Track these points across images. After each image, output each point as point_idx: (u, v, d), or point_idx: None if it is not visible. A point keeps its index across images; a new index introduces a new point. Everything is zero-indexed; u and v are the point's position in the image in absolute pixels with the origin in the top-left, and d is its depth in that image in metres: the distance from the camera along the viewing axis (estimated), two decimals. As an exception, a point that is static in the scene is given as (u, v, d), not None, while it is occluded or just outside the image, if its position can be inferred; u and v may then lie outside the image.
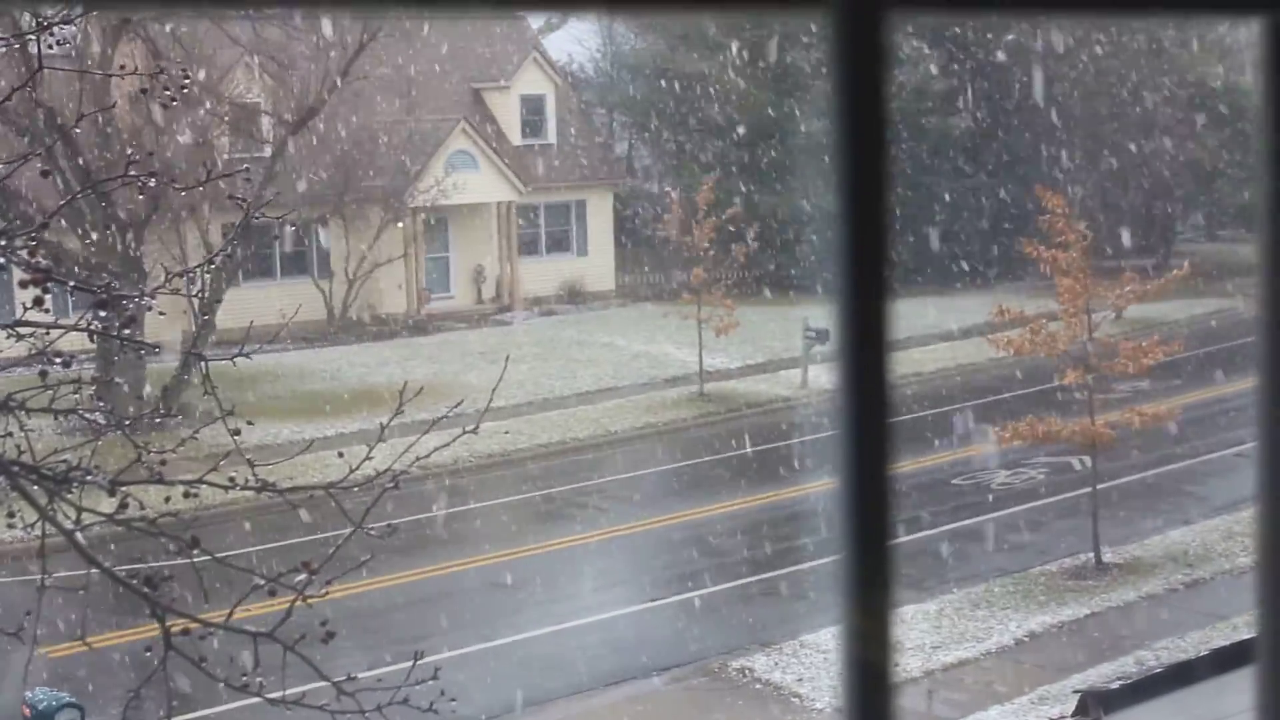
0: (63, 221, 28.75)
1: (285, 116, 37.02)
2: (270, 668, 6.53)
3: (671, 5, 1.34)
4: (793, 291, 47.06)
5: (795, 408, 34.50)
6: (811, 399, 34.75)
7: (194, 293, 23.96)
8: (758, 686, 19.01)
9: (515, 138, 50.47)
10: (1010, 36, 53.02)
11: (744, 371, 38.41)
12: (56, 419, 7.14)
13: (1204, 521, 25.00)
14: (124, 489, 6.55)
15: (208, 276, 27.60)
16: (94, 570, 6.60)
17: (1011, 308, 23.85)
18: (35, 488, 6.78)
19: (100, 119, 29.92)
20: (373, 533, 6.77)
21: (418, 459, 6.93)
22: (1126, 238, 51.17)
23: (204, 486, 6.71)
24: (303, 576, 6.38)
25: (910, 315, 42.22)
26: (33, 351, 6.86)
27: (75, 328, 6.98)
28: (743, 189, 49.13)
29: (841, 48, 1.31)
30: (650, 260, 52.44)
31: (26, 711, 15.33)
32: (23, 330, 6.87)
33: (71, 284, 7.24)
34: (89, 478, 6.57)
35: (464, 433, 7.98)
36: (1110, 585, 22.12)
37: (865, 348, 1.36)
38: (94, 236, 30.28)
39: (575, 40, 67.58)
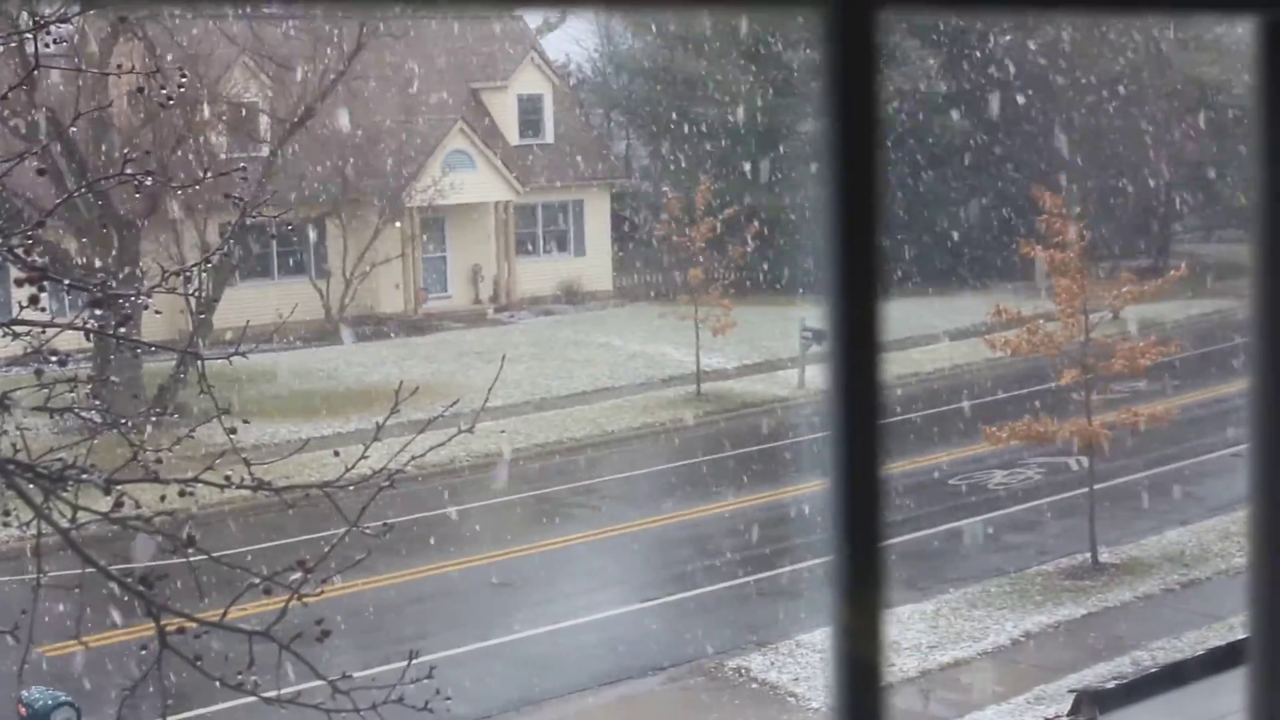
0: (60, 220, 28.75)
1: (283, 116, 37.03)
2: (266, 667, 6.52)
3: (667, 2, 1.34)
4: (790, 292, 47.04)
5: (792, 408, 34.51)
6: (808, 399, 34.75)
7: (191, 292, 23.91)
8: (754, 686, 19.01)
9: (513, 137, 50.46)
10: (1008, 38, 53.05)
11: (741, 371, 38.42)
12: (53, 417, 7.13)
13: (1201, 522, 25.01)
14: (120, 487, 6.55)
15: (205, 276, 27.55)
16: (89, 569, 6.61)
17: (1009, 308, 23.85)
18: (31, 486, 6.78)
19: (98, 118, 29.90)
20: (368, 532, 6.77)
21: (413, 458, 6.92)
22: (1124, 238, 51.25)
23: (200, 485, 6.71)
24: (298, 575, 6.38)
25: (908, 315, 42.26)
26: (29, 350, 6.86)
27: (72, 326, 6.98)
28: (740, 189, 49.13)
29: (834, 46, 1.31)
30: (647, 260, 52.44)
31: (22, 710, 15.32)
32: (19, 329, 6.86)
33: (68, 282, 7.24)
34: (85, 476, 6.57)
35: (459, 432, 7.98)
36: (1107, 585, 22.13)
37: (857, 347, 1.36)
38: (91, 236, 30.28)
39: (573, 40, 67.57)
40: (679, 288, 37.53)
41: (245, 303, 31.41)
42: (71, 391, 7.06)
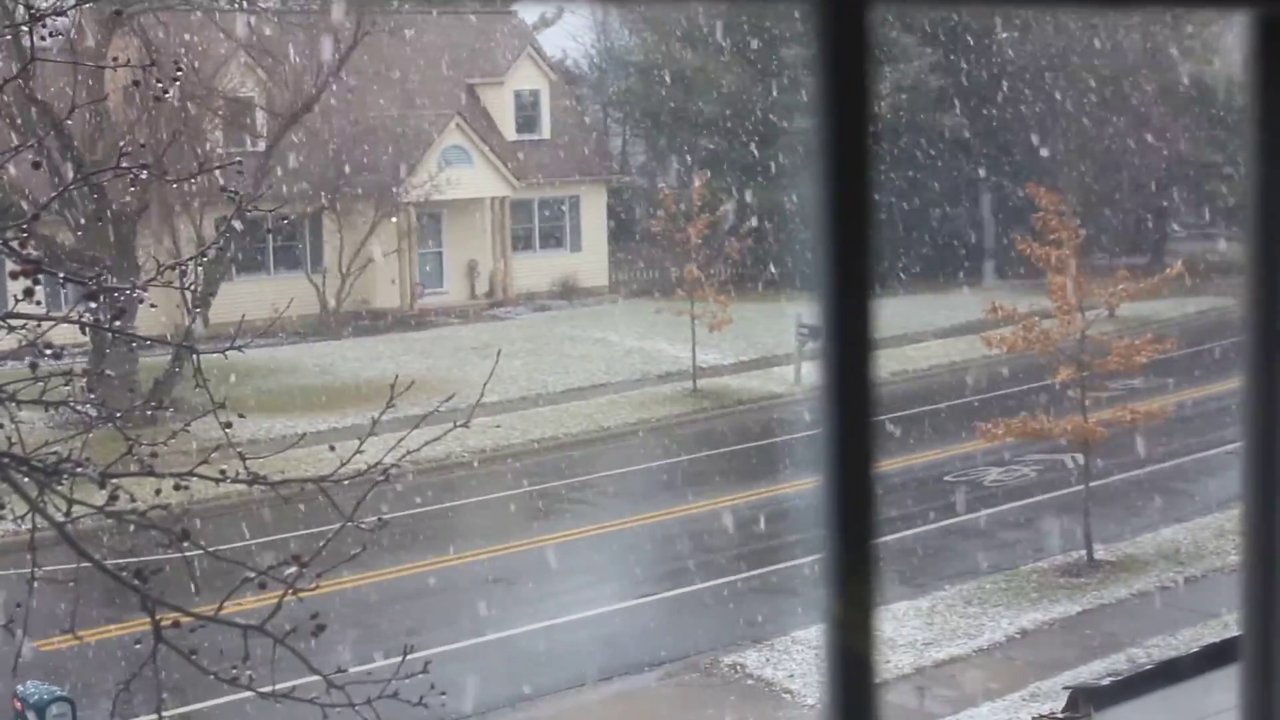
0: (55, 215, 28.71)
1: (279, 111, 37.00)
2: (261, 661, 6.52)
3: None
4: (786, 288, 47.06)
5: (788, 404, 34.52)
6: (804, 395, 34.75)
7: (187, 285, 23.90)
8: (749, 682, 19.02)
9: (509, 133, 50.45)
10: (1004, 35, 53.06)
11: (737, 368, 38.43)
12: (48, 411, 7.13)
13: (1196, 519, 25.03)
14: (114, 481, 6.55)
15: (200, 270, 27.55)
16: (84, 563, 6.60)
17: (1004, 305, 23.85)
18: (26, 480, 6.77)
19: (93, 112, 29.87)
20: (364, 527, 6.77)
21: (409, 452, 6.92)
22: (1119, 235, 51.25)
23: (195, 479, 6.71)
24: (293, 570, 6.37)
25: (903, 312, 42.29)
26: (23, 344, 6.85)
27: (67, 320, 6.97)
28: (736, 185, 49.14)
29: (825, 41, 1.31)
30: (644, 256, 52.45)
31: (18, 705, 15.32)
32: (14, 322, 6.85)
33: (63, 276, 7.23)
34: (79, 470, 6.57)
35: (455, 426, 7.98)
36: (1102, 582, 22.15)
37: (849, 344, 1.36)
38: (86, 229, 30.26)
39: (569, 36, 67.57)
40: (675, 283, 37.51)
41: (241, 297, 31.42)
42: (67, 385, 7.05)
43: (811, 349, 34.99)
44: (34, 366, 6.69)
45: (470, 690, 17.82)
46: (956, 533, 24.72)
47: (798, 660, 19.51)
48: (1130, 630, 20.28)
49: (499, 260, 49.21)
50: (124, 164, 7.23)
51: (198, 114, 34.04)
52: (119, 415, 7.74)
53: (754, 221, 46.27)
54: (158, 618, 6.40)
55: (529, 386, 35.80)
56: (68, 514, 6.56)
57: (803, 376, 35.86)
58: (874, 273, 1.36)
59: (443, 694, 7.20)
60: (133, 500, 6.53)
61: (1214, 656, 12.33)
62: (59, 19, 8.38)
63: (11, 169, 22.90)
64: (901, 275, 48.10)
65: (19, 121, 28.28)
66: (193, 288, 7.78)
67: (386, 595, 21.80)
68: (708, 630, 20.70)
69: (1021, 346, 23.43)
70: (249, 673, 6.45)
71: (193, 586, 6.90)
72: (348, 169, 43.41)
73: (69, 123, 27.37)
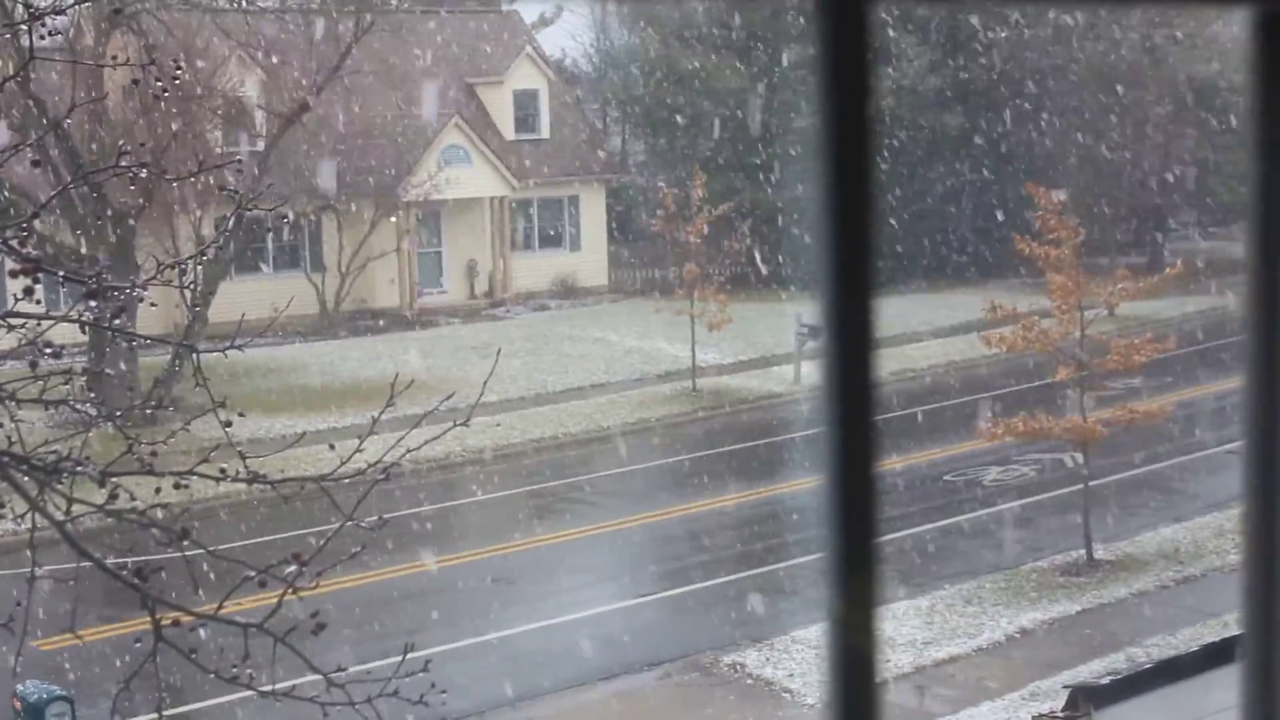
0: (54, 214, 28.72)
1: (278, 110, 37.00)
2: (261, 661, 6.52)
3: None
4: (785, 287, 47.07)
5: (788, 403, 34.52)
6: (804, 395, 34.76)
7: (186, 284, 23.90)
8: (749, 682, 19.02)
9: (508, 132, 50.44)
10: (1003, 34, 53.05)
11: (737, 367, 38.43)
12: (48, 409, 7.13)
13: (1196, 518, 25.04)
14: (114, 480, 6.54)
15: (200, 269, 27.54)
16: (85, 562, 6.60)
17: (1004, 304, 23.85)
18: (26, 479, 6.77)
19: (92, 111, 29.86)
20: (364, 526, 6.77)
21: (409, 451, 6.92)
22: (1119, 235, 51.26)
23: (195, 478, 6.71)
24: (293, 568, 6.37)
25: (903, 311, 42.29)
26: (23, 343, 6.85)
27: (66, 318, 6.97)
28: (736, 184, 49.15)
29: (826, 40, 1.31)
30: (643, 255, 52.46)
31: (16, 704, 15.32)
32: (13, 321, 6.85)
33: (62, 274, 7.23)
34: (79, 468, 6.56)
35: (455, 425, 7.98)
36: (1102, 582, 22.15)
37: (851, 342, 1.36)
38: (85, 229, 30.26)
39: (569, 35, 67.71)
40: (675, 283, 37.52)
41: (240, 297, 31.43)
42: (66, 384, 7.05)
43: (811, 348, 35.00)
44: (34, 365, 6.69)
45: (470, 689, 17.82)
46: (956, 532, 24.73)
47: (797, 659, 19.51)
48: (1130, 629, 20.29)
49: (498, 260, 49.20)
50: (123, 163, 7.22)
51: (197, 113, 34.03)
52: (119, 414, 7.74)
53: (753, 221, 46.31)
54: (158, 617, 6.40)
55: (528, 386, 35.80)
56: (68, 513, 6.56)
57: (802, 376, 35.86)
58: (876, 272, 1.36)
59: (443, 693, 7.20)
60: (133, 499, 6.53)
61: (1213, 655, 12.33)
62: (58, 18, 8.38)
63: (17, 169, 22.90)
64: (899, 275, 48.10)
65: (18, 121, 28.26)
66: (192, 286, 7.78)
67: (386, 594, 21.80)
68: (707, 629, 20.70)
69: (1021, 346, 23.44)
70: (249, 671, 6.45)
71: (193, 585, 6.90)
72: (347, 168, 43.40)
73: (68, 122, 27.37)
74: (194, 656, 6.51)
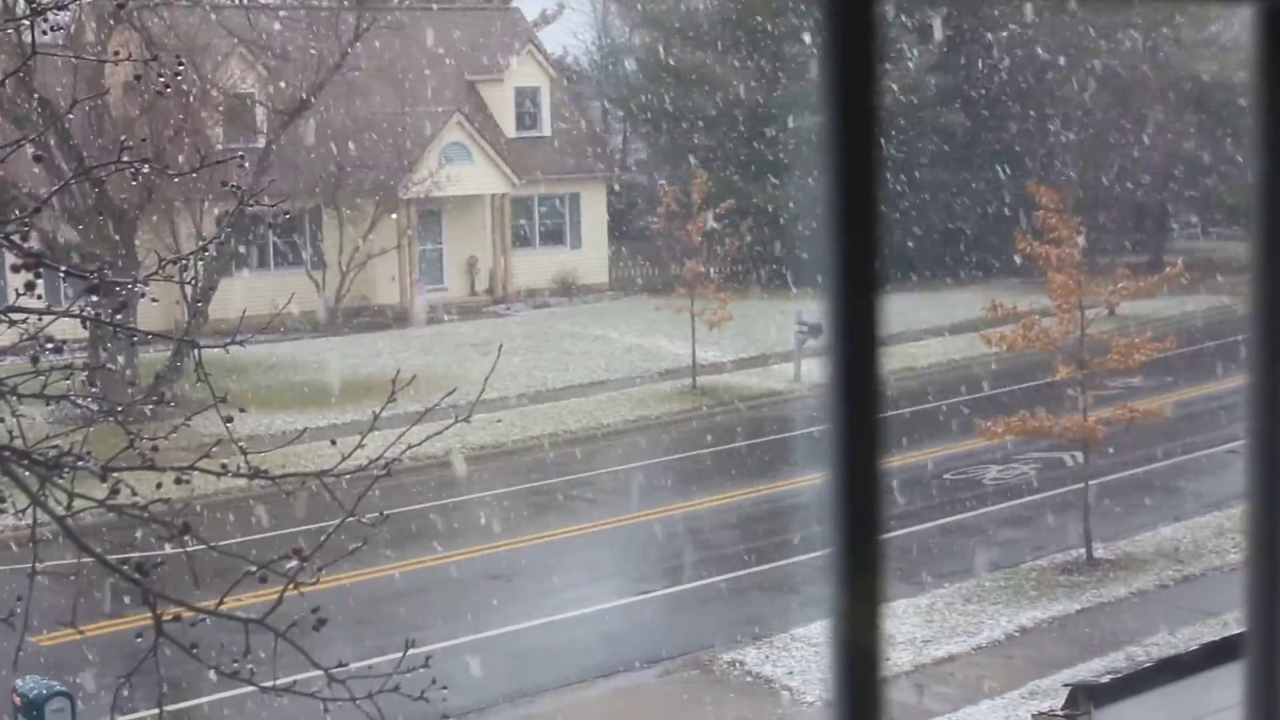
0: (55, 210, 28.73)
1: (279, 107, 36.99)
2: (262, 656, 6.52)
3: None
4: (786, 285, 47.08)
5: (788, 401, 34.52)
6: (804, 393, 34.76)
7: (187, 280, 23.91)
8: (748, 679, 19.03)
9: (509, 130, 50.44)
10: (1005, 33, 53.04)
11: (737, 365, 38.43)
12: (49, 404, 7.13)
13: (1195, 518, 25.04)
14: (116, 475, 6.55)
15: (201, 265, 27.58)
16: (86, 557, 6.60)
17: (1005, 303, 23.84)
18: (27, 474, 6.77)
19: (93, 107, 29.87)
20: (365, 521, 6.77)
21: (410, 446, 6.92)
22: (1119, 234, 51.22)
23: (196, 474, 6.71)
24: (294, 563, 6.38)
25: (903, 310, 42.26)
26: (24, 338, 6.85)
27: (68, 314, 6.97)
28: (737, 182, 49.14)
29: (832, 36, 1.31)
30: (644, 253, 52.44)
31: (16, 700, 15.32)
32: (14, 316, 6.85)
33: (64, 269, 7.23)
34: (81, 463, 6.57)
35: (456, 421, 7.99)
36: (1101, 581, 22.15)
37: (856, 340, 1.36)
38: (86, 225, 30.26)
39: (570, 33, 67.69)
40: (675, 281, 37.51)
41: (241, 293, 31.42)
42: (68, 379, 7.05)
43: (811, 346, 35.01)
44: (35, 360, 6.69)
45: (470, 686, 17.82)
46: (956, 530, 24.73)
47: (797, 657, 19.51)
48: (1129, 628, 20.29)
49: (499, 257, 49.20)
50: (125, 159, 7.22)
51: (198, 110, 34.04)
52: (120, 409, 7.74)
53: (753, 219, 46.30)
54: (159, 612, 6.40)
55: (529, 383, 35.80)
56: (69, 508, 6.56)
57: (802, 374, 35.86)
58: (882, 269, 1.36)
59: (444, 689, 7.20)
60: (134, 494, 6.53)
61: (1213, 654, 12.34)
62: (59, 14, 8.38)
63: (18, 166, 22.90)
64: (900, 273, 48.08)
65: (20, 116, 28.26)
66: (193, 283, 7.78)
67: (386, 591, 21.80)
68: (707, 627, 20.70)
69: (1021, 345, 23.43)
70: (250, 667, 6.45)
71: (194, 581, 6.90)
72: (348, 165, 43.41)
73: (70, 117, 27.38)
74: (195, 652, 6.51)
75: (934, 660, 19.37)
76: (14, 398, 6.88)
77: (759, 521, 25.30)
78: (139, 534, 15.31)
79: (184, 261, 7.52)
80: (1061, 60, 52.61)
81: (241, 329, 7.44)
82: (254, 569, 6.36)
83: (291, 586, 6.45)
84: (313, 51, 37.03)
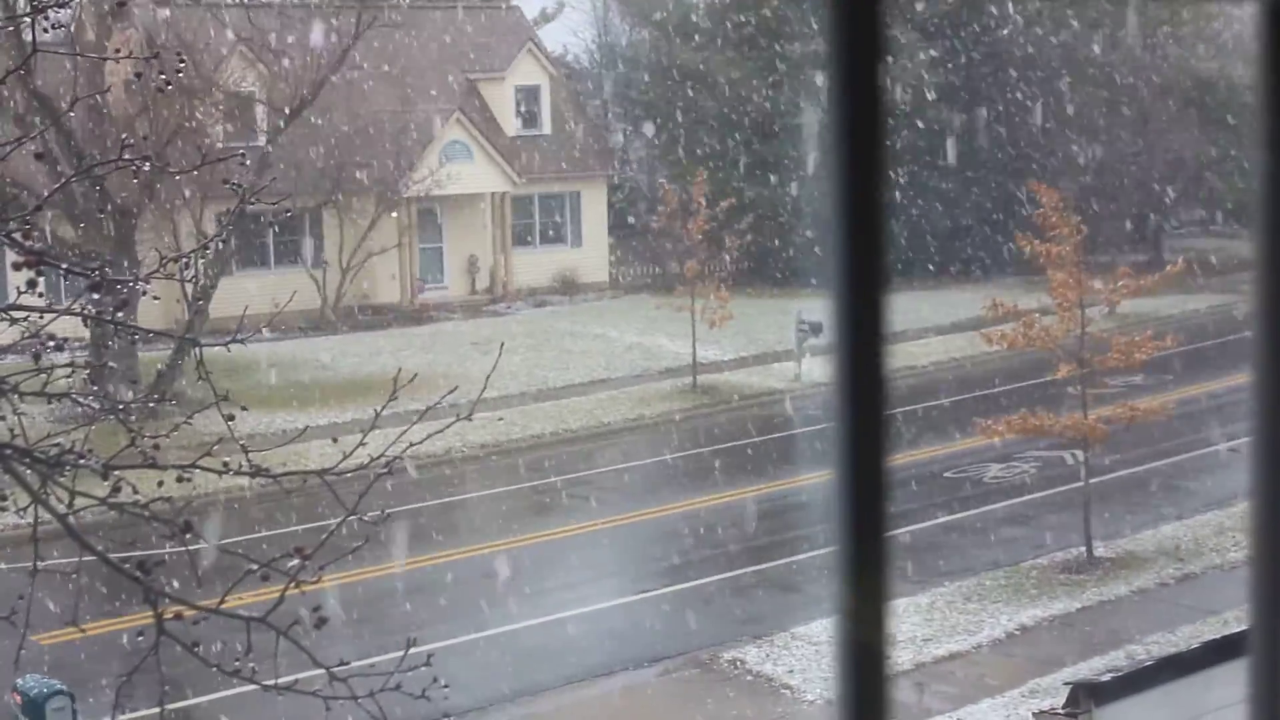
0: (56, 208, 28.72)
1: (280, 106, 36.99)
2: (263, 654, 6.52)
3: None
4: (787, 284, 47.10)
5: (788, 400, 34.51)
6: (805, 391, 34.77)
7: (188, 278, 23.91)
8: (749, 678, 19.03)
9: (510, 129, 50.43)
10: (1005, 31, 53.02)
11: (737, 364, 38.43)
12: (50, 402, 7.12)
13: (1196, 516, 25.04)
14: (117, 473, 6.55)
15: (202, 263, 27.60)
16: (87, 556, 6.60)
17: (1005, 302, 23.85)
18: (28, 472, 6.77)
19: (94, 106, 29.87)
20: (367, 519, 6.77)
21: (411, 445, 6.92)
22: (1120, 232, 51.22)
23: (197, 472, 6.71)
24: (295, 562, 6.38)
25: (904, 309, 42.25)
26: (26, 335, 6.85)
27: (69, 312, 6.97)
28: (737, 181, 49.14)
29: (837, 33, 1.31)
30: (644, 252, 52.44)
31: (17, 699, 15.32)
32: (15, 314, 6.85)
33: (64, 267, 7.23)
34: (82, 461, 6.57)
35: (458, 419, 7.99)
36: (1102, 579, 22.16)
37: (862, 338, 1.36)
38: (86, 223, 30.26)
39: (570, 32, 67.68)
40: (676, 279, 37.52)
41: (242, 292, 31.41)
42: (69, 377, 7.06)
43: (812, 344, 35.01)
44: (37, 358, 6.69)
45: (471, 685, 17.82)
46: (956, 529, 24.73)
47: (797, 656, 19.51)
48: (1130, 627, 20.30)
49: (499, 256, 49.20)
50: (126, 156, 7.22)
51: (199, 108, 34.03)
52: (121, 407, 7.74)
53: (754, 217, 46.28)
54: (160, 610, 6.40)
55: (529, 382, 35.80)
56: (70, 506, 6.55)
57: (803, 372, 35.86)
58: (888, 266, 1.36)
59: (445, 687, 7.20)
60: (135, 492, 6.53)
61: (1214, 652, 12.34)
62: (60, 11, 8.38)
63: (18, 163, 22.89)
64: (900, 272, 48.06)
65: (21, 114, 28.27)
66: (194, 281, 7.78)
67: (387, 589, 21.80)
68: (707, 626, 20.71)
69: (1022, 343, 23.44)
70: (251, 665, 6.45)
71: (196, 579, 6.90)
72: (349, 164, 43.40)
73: (71, 115, 27.38)
74: (196, 650, 6.51)
75: (935, 659, 19.37)
76: (15, 396, 6.88)
77: (759, 520, 25.30)
78: (141, 532, 15.30)
79: (185, 259, 7.52)
80: (1062, 58, 52.61)
81: (242, 327, 7.44)
82: (255, 568, 6.36)
83: (293, 586, 6.45)
84: (313, 50, 37.02)
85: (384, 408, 6.84)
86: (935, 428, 30.48)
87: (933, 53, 51.81)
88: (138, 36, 31.19)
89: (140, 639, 6.63)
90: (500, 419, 30.62)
